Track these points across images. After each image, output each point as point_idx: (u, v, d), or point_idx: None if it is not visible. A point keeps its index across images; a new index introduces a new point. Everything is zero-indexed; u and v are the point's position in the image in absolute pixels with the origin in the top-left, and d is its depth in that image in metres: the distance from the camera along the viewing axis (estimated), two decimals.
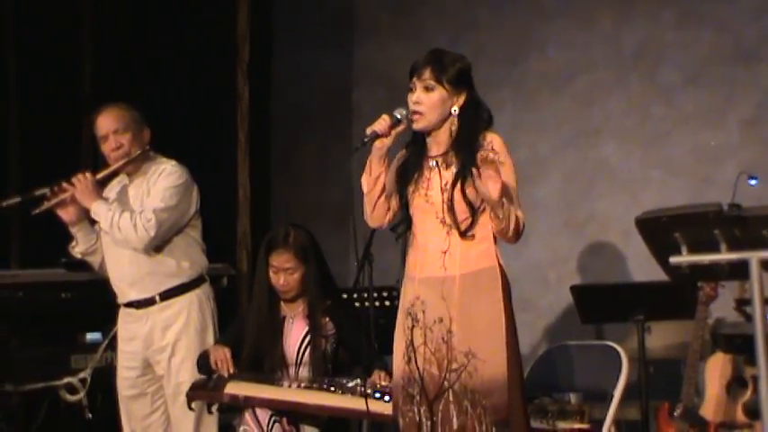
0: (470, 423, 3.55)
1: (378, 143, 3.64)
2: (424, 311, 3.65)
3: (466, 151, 3.63)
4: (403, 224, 3.74)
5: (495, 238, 3.67)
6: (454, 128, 3.68)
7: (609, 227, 6.09)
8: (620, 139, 6.16)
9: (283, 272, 4.36)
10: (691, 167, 5.90)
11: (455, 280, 3.61)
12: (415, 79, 3.66)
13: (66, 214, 4.72)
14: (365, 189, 3.68)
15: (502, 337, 3.59)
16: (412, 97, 3.66)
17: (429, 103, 3.64)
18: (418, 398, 3.61)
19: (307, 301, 4.40)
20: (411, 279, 3.71)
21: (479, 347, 3.57)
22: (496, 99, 6.51)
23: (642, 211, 3.73)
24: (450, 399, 3.58)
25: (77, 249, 4.83)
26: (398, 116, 3.65)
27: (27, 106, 6.48)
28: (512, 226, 3.57)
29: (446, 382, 3.58)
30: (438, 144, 3.71)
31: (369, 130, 3.63)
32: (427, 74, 3.64)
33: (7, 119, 6.49)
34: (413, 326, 3.66)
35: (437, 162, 3.68)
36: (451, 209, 3.61)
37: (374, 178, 3.67)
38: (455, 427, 3.56)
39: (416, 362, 3.63)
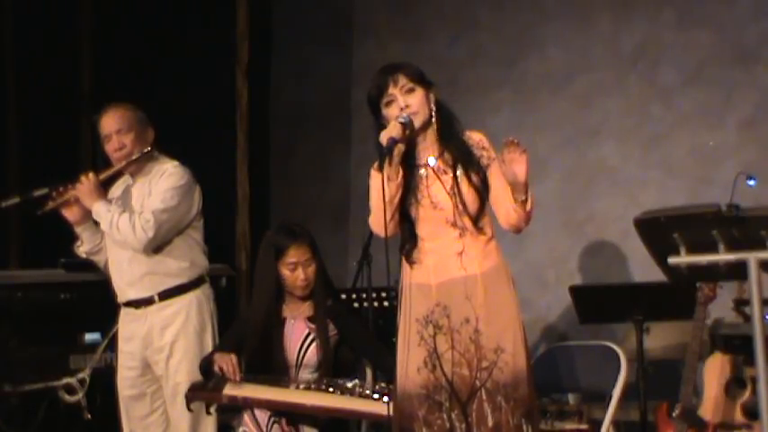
0: (504, 418, 3.57)
1: (395, 149, 3.60)
2: (448, 316, 3.63)
3: (458, 144, 3.68)
4: (410, 241, 3.70)
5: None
6: (435, 126, 3.69)
7: (608, 227, 6.10)
8: (618, 140, 6.16)
9: (301, 265, 4.34)
10: (689, 168, 5.91)
11: (477, 279, 3.63)
12: (391, 89, 3.65)
13: (70, 214, 4.74)
14: (388, 197, 3.59)
15: (521, 329, 3.65)
16: (397, 106, 3.64)
17: (417, 102, 3.65)
18: (448, 404, 3.60)
19: (313, 300, 4.40)
20: (425, 287, 3.67)
21: (506, 342, 3.60)
22: (496, 99, 6.56)
23: (641, 211, 3.73)
24: (484, 397, 3.58)
25: (82, 249, 4.84)
26: (404, 121, 3.62)
27: (26, 106, 6.48)
28: (531, 209, 3.59)
29: (478, 382, 3.59)
30: (426, 149, 3.71)
31: (386, 138, 3.56)
32: (403, 78, 3.66)
33: (6, 119, 6.49)
34: (435, 333, 3.64)
35: (432, 170, 3.68)
36: (465, 209, 3.63)
37: (397, 185, 3.62)
38: (490, 425, 3.57)
39: (442, 368, 3.62)
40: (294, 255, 4.35)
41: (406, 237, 3.70)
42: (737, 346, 4.71)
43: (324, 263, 4.45)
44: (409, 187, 3.67)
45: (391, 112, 3.66)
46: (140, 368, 4.72)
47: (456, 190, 3.64)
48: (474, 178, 3.65)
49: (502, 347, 3.59)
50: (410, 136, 3.64)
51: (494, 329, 3.61)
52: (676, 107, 6.00)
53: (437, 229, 3.66)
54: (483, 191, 3.67)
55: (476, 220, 3.64)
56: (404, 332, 3.68)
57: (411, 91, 3.66)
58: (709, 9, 5.92)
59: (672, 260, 3.58)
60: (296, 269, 4.35)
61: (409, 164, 3.68)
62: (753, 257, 3.47)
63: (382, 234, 3.62)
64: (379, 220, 3.62)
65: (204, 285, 4.76)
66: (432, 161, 3.69)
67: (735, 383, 4.67)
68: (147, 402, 4.74)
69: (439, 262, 3.66)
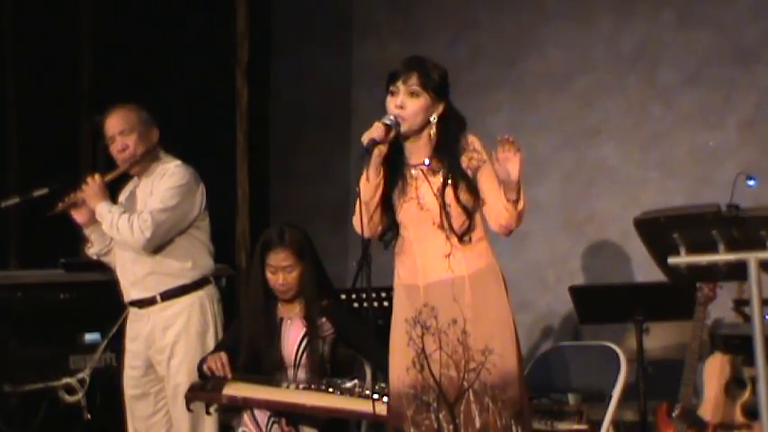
0: (492, 419, 3.56)
1: (376, 150, 3.58)
2: (435, 317, 3.62)
3: (450, 157, 3.63)
4: (391, 231, 3.70)
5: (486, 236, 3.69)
6: (433, 134, 3.65)
7: (607, 227, 6.10)
8: (618, 140, 6.16)
9: (281, 271, 4.35)
10: (689, 168, 5.91)
11: (464, 280, 3.61)
12: (399, 83, 3.61)
13: (79, 216, 4.76)
14: (365, 198, 3.61)
15: (511, 330, 3.63)
16: (395, 101, 3.61)
17: (413, 108, 3.60)
18: (435, 404, 3.60)
19: (304, 301, 4.40)
20: (413, 287, 3.67)
21: (495, 343, 3.59)
22: (495, 99, 6.55)
23: (641, 211, 3.73)
24: (472, 398, 3.58)
25: (92, 250, 4.85)
26: (389, 122, 3.60)
27: (26, 106, 6.48)
28: (522, 209, 3.56)
29: (465, 383, 3.58)
30: (417, 152, 3.67)
31: (367, 139, 3.55)
32: (414, 79, 3.61)
33: (6, 119, 6.49)
34: (423, 333, 3.64)
35: (422, 171, 3.66)
36: (448, 214, 3.61)
37: (374, 186, 3.61)
38: (478, 426, 3.56)
39: (431, 368, 3.61)
40: (273, 259, 4.35)
41: (388, 226, 3.70)
42: (737, 346, 4.71)
43: (319, 264, 4.45)
44: (396, 185, 3.66)
45: (389, 103, 3.63)
46: (144, 368, 4.72)
47: (442, 192, 3.62)
48: (463, 196, 3.61)
49: (490, 348, 3.58)
50: (394, 138, 3.61)
51: (481, 331, 3.59)
52: (676, 107, 6.00)
53: (425, 230, 3.64)
54: (470, 205, 3.62)
55: (461, 236, 3.61)
56: (394, 332, 3.70)
57: (415, 95, 3.60)
58: (709, 9, 5.92)
59: (672, 260, 3.58)
60: (276, 273, 4.36)
61: (401, 162, 3.67)
62: (753, 257, 3.47)
63: (365, 234, 3.64)
64: (358, 219, 3.63)
65: (208, 286, 4.75)
66: (426, 162, 3.67)
67: (734, 383, 4.68)
68: (150, 402, 4.75)
69: (427, 263, 3.64)
